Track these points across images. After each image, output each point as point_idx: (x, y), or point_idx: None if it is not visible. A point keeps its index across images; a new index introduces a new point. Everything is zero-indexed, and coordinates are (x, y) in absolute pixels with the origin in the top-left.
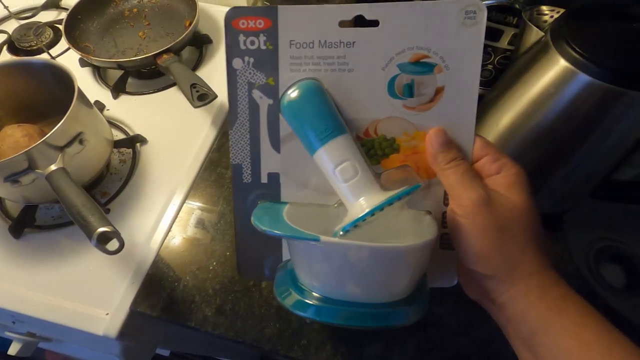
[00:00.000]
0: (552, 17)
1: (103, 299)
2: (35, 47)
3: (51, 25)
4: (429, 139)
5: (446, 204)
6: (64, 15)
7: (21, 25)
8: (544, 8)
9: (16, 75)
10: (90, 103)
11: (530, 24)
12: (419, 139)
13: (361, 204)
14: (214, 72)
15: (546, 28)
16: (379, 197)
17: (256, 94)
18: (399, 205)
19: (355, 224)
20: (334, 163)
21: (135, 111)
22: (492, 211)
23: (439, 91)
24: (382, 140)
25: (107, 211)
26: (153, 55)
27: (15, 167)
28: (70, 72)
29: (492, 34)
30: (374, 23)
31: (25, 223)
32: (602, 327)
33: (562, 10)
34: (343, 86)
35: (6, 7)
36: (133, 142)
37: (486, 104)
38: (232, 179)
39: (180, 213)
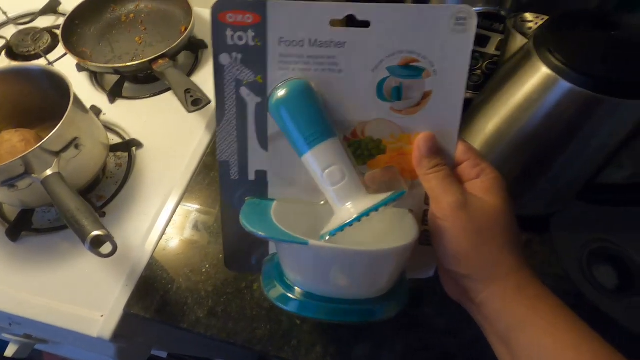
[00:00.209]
0: (536, 23)
1: (98, 301)
2: (33, 53)
3: (49, 30)
4: (418, 143)
5: (427, 204)
6: (61, 20)
7: (19, 31)
8: (528, 15)
9: (13, 81)
10: (86, 108)
11: (514, 31)
12: (405, 141)
13: (348, 208)
14: (209, 77)
15: (529, 35)
16: (366, 203)
17: (244, 91)
18: (384, 209)
19: (343, 229)
20: (322, 166)
21: (131, 115)
22: (469, 214)
23: (426, 95)
24: (369, 141)
25: (103, 214)
26: (149, 60)
27: (12, 172)
28: (66, 78)
29: (479, 40)
30: (365, 24)
31: (23, 226)
32: (573, 324)
33: (545, 18)
34: (332, 87)
35: (4, 13)
36: (129, 146)
37: (474, 109)
38: (219, 176)
39: (174, 216)
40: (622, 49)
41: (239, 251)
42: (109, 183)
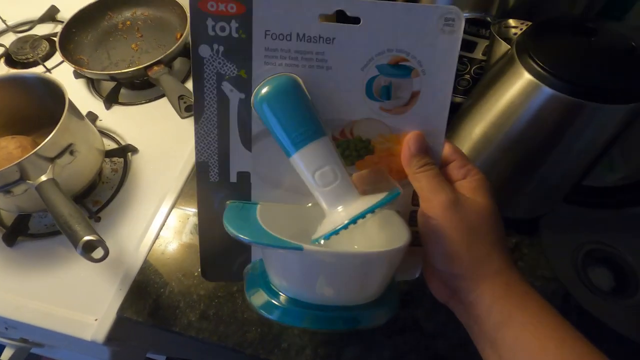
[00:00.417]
0: (521, 29)
1: (92, 305)
2: (31, 60)
3: (47, 38)
4: (408, 142)
5: (414, 204)
6: (60, 28)
7: (18, 39)
8: (512, 21)
9: (9, 89)
10: (82, 115)
11: (497, 37)
12: (393, 141)
13: (341, 211)
14: None
15: (513, 41)
16: (359, 205)
17: (226, 86)
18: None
19: (338, 232)
20: (313, 168)
21: (127, 121)
22: (460, 213)
23: (414, 95)
24: (358, 141)
25: (99, 219)
26: (144, 67)
27: (7, 178)
28: (61, 85)
29: (467, 45)
30: (356, 20)
31: (19, 231)
32: (558, 322)
33: (529, 24)
34: (320, 84)
35: (4, 21)
36: (124, 151)
37: (462, 113)
38: (197, 178)
39: (168, 221)
40: (601, 55)
41: (218, 259)
42: (104, 188)
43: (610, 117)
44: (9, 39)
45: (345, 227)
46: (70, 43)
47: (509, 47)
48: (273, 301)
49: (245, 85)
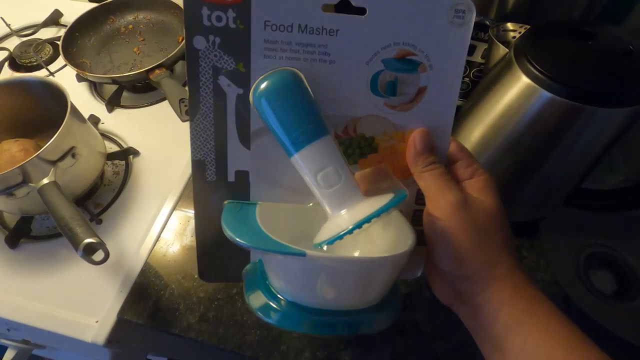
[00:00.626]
0: (519, 32)
1: (93, 307)
2: (35, 64)
3: (51, 42)
4: (413, 139)
5: (418, 203)
6: (63, 32)
7: (22, 42)
8: (510, 25)
9: (12, 93)
10: (84, 118)
11: (496, 40)
12: (398, 139)
13: (345, 214)
14: None
15: (511, 45)
16: (364, 208)
17: (223, 81)
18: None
19: (342, 237)
20: (315, 168)
21: (129, 124)
22: (469, 213)
23: (420, 91)
24: (361, 139)
25: (100, 222)
26: (146, 70)
27: (10, 180)
28: (63, 89)
29: None
30: (361, 11)
31: (21, 234)
32: (567, 328)
33: (527, 27)
34: (323, 79)
35: (8, 25)
36: (126, 154)
37: (460, 116)
38: (193, 177)
39: (169, 223)
40: (599, 58)
41: (216, 260)
42: (106, 190)
43: (608, 121)
44: (12, 42)
45: (350, 232)
46: (73, 47)
47: (507, 50)
48: (272, 304)
49: (243, 79)
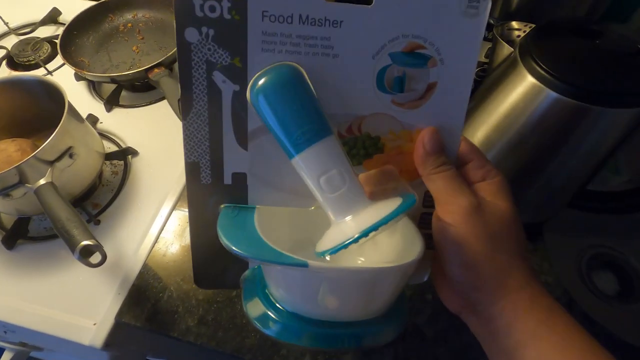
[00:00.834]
0: (524, 32)
1: (91, 309)
2: (33, 62)
3: (49, 40)
4: (422, 139)
5: (425, 206)
6: (62, 30)
7: (20, 41)
8: (515, 24)
9: (9, 92)
10: (82, 117)
11: (500, 39)
12: (405, 138)
13: (350, 220)
14: None
15: (516, 44)
16: (371, 214)
17: (218, 76)
18: None
19: (347, 246)
20: (317, 171)
21: (128, 123)
22: (483, 219)
23: (430, 87)
24: (366, 138)
25: (98, 222)
26: (144, 69)
27: (7, 181)
28: (61, 88)
29: None
30: (367, 0)
31: (19, 234)
32: (586, 342)
33: (532, 26)
34: (326, 75)
35: (6, 24)
36: (124, 154)
37: None
38: (187, 180)
39: (167, 223)
40: (606, 57)
41: (212, 266)
42: (104, 191)
43: (615, 121)
44: (10, 41)
45: (356, 240)
46: (72, 45)
47: (512, 49)
48: (270, 313)
49: (239, 75)
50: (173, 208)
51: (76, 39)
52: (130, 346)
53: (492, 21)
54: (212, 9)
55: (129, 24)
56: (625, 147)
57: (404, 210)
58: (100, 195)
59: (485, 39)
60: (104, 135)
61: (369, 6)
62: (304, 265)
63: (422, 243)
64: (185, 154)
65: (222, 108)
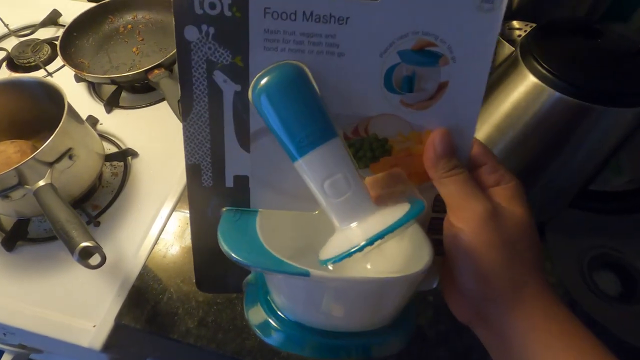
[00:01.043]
0: (525, 31)
1: (91, 311)
2: (33, 64)
3: (49, 42)
4: (432, 141)
5: (435, 211)
6: (62, 32)
7: (20, 42)
8: (516, 23)
9: (9, 93)
10: (82, 119)
11: (501, 39)
12: (414, 140)
13: (357, 228)
14: None
15: (517, 43)
16: (377, 221)
17: (218, 76)
18: None
19: (351, 255)
20: (322, 175)
21: (128, 125)
22: (499, 225)
23: (441, 87)
24: (373, 140)
25: (98, 224)
26: (144, 70)
27: (6, 183)
28: (60, 89)
29: None
30: None
31: (18, 236)
32: (604, 357)
33: (533, 25)
34: (331, 74)
35: (6, 25)
36: (124, 155)
37: None
38: (187, 183)
39: (167, 225)
40: (608, 57)
41: (214, 269)
42: (104, 192)
43: (617, 121)
44: (11, 42)
45: (361, 249)
46: (72, 47)
47: (513, 49)
48: (272, 321)
49: (241, 75)
50: (173, 209)
51: (76, 40)
52: (130, 348)
53: None
54: (212, 6)
55: (129, 26)
56: (627, 147)
57: (412, 217)
58: (100, 196)
59: None
60: (103, 136)
61: (377, 1)
62: (306, 274)
63: (430, 250)
64: (186, 155)
65: (223, 109)
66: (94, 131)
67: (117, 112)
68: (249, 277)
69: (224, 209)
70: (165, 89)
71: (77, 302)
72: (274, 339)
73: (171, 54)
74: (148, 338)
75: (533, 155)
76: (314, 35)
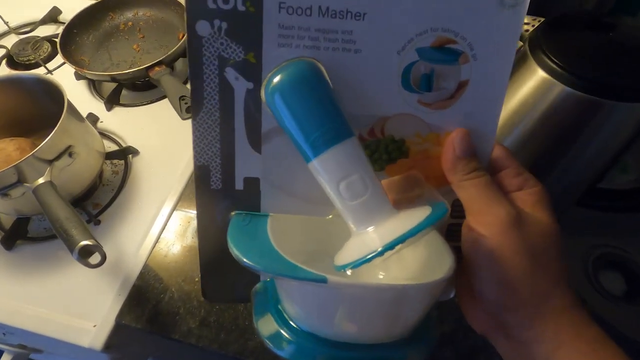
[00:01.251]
0: (533, 26)
1: (91, 310)
2: (33, 61)
3: (49, 39)
4: (452, 142)
5: (454, 216)
6: (62, 29)
7: (20, 40)
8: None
9: (9, 91)
10: (82, 116)
11: None
12: (432, 141)
13: (375, 232)
14: None
15: (525, 38)
16: (396, 225)
17: (230, 73)
18: None
19: (370, 260)
20: (338, 176)
21: (128, 123)
22: (522, 231)
23: (461, 86)
24: (390, 141)
25: (98, 222)
26: (145, 67)
27: (5, 180)
28: (60, 87)
29: None
30: None
31: (18, 235)
32: None
33: (541, 20)
34: (347, 72)
35: (6, 23)
36: (125, 153)
37: None
38: (196, 185)
39: (168, 223)
40: (618, 51)
41: (221, 277)
42: (105, 190)
43: (628, 116)
44: (10, 40)
45: (381, 254)
46: (72, 44)
47: (522, 43)
48: (284, 332)
49: (253, 71)
50: (174, 208)
51: (76, 37)
52: (131, 348)
53: None
54: (226, 0)
55: (130, 23)
56: (634, 145)
57: (435, 220)
58: (101, 195)
59: None
60: (104, 134)
61: None
62: (323, 280)
63: (452, 256)
64: (195, 156)
65: (234, 107)
66: (94, 129)
67: (118, 110)
68: (258, 285)
69: (233, 213)
70: (167, 86)
71: (78, 301)
72: (285, 351)
73: (172, 50)
74: (149, 338)
75: (541, 151)
76: (329, 31)
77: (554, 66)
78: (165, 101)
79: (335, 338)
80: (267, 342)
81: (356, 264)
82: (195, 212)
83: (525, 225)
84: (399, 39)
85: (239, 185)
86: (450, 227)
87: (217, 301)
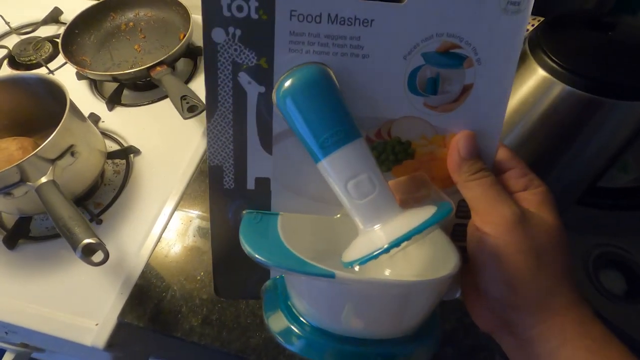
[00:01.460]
0: (533, 25)
1: (93, 309)
2: (34, 62)
3: (50, 39)
4: (457, 143)
5: (459, 216)
6: (63, 29)
7: (21, 40)
8: None
9: (11, 90)
10: (84, 116)
11: None
12: (438, 143)
13: (382, 229)
14: None
15: (525, 37)
16: (403, 222)
17: (243, 78)
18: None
19: (377, 257)
20: (346, 175)
21: (130, 122)
22: (527, 231)
23: (466, 89)
24: (396, 143)
25: (100, 222)
26: (147, 67)
27: (7, 179)
28: (62, 86)
29: None
30: None
31: (20, 234)
32: None
33: (541, 19)
34: (355, 76)
35: (7, 23)
36: (126, 153)
37: None
38: (209, 184)
39: (170, 223)
40: (618, 50)
41: (233, 274)
42: (106, 190)
43: (628, 114)
44: (12, 40)
45: (387, 250)
46: (73, 44)
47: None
48: (294, 328)
49: (265, 76)
50: (176, 207)
51: (78, 37)
52: (133, 347)
53: None
54: (240, 8)
55: (131, 23)
56: (634, 143)
57: (440, 218)
58: (103, 194)
59: None
60: (105, 134)
61: (401, 4)
62: (331, 276)
63: (457, 254)
64: (209, 157)
65: (246, 110)
66: (96, 129)
67: (119, 110)
68: (268, 282)
69: (245, 212)
70: (168, 85)
71: (80, 300)
72: (295, 346)
73: (173, 50)
74: (151, 336)
75: (542, 150)
76: (338, 37)
77: (554, 65)
78: (167, 101)
79: (343, 333)
80: (278, 337)
81: (363, 261)
82: (197, 212)
83: (530, 225)
84: (405, 45)
85: (251, 185)
86: (456, 227)
87: (229, 297)
